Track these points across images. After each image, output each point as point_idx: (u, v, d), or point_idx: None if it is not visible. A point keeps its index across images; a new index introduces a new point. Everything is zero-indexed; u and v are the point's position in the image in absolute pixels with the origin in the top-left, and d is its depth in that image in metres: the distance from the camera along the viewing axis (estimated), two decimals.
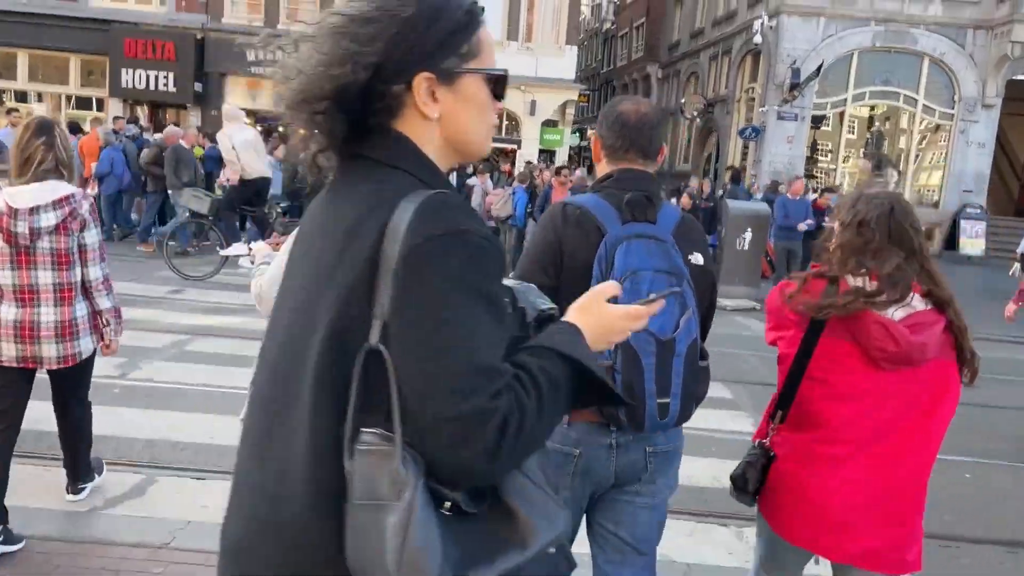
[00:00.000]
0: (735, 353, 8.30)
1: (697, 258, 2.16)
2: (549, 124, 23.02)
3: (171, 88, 21.35)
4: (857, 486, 2.12)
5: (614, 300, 1.36)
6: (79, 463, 3.81)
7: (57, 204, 3.27)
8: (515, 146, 22.95)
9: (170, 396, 5.57)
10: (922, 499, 2.20)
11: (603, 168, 2.24)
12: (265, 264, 2.60)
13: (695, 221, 2.30)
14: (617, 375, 1.95)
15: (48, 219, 3.24)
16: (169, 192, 11.60)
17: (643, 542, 2.23)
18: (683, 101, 27.33)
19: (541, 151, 22.81)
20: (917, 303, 2.11)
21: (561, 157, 22.80)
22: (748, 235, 11.93)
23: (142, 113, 21.69)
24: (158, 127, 17.98)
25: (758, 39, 21.28)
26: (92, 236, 3.42)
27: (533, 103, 22.23)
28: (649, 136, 2.18)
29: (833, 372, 2.13)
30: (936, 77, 21.33)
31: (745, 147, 24.02)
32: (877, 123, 22.47)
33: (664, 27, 32.97)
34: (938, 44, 20.94)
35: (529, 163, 18.46)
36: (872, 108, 22.21)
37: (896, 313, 2.08)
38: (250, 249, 2.76)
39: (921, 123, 21.74)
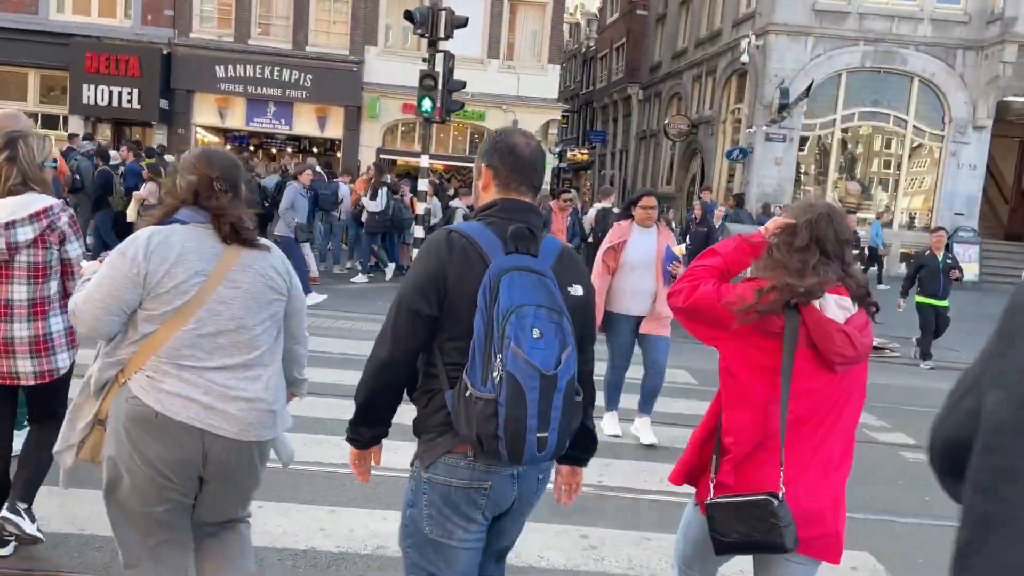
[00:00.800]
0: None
1: (576, 290, 2.20)
2: None
3: (135, 105, 20.41)
4: (806, 482, 2.25)
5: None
6: (35, 482, 3.46)
7: (34, 217, 3.23)
8: None
9: None
10: (844, 483, 2.35)
11: (488, 197, 2.24)
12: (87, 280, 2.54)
13: (575, 254, 2.35)
14: (501, 408, 1.95)
15: (26, 233, 3.22)
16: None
17: (511, 546, 2.48)
18: (666, 123, 26.76)
19: None
20: (849, 305, 2.25)
21: (545, 180, 22.00)
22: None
23: (103, 131, 20.67)
24: (132, 148, 16.97)
25: (745, 58, 20.83)
26: (75, 249, 3.40)
27: (515, 123, 21.45)
28: (540, 171, 2.27)
29: (798, 379, 2.22)
30: (926, 98, 20.97)
31: (731, 169, 23.48)
32: (850, 145, 21.93)
33: (645, 48, 32.56)
34: (928, 64, 20.59)
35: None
36: (860, 129, 21.70)
37: (838, 316, 2.22)
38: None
39: (911, 145, 21.28)
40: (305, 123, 21.59)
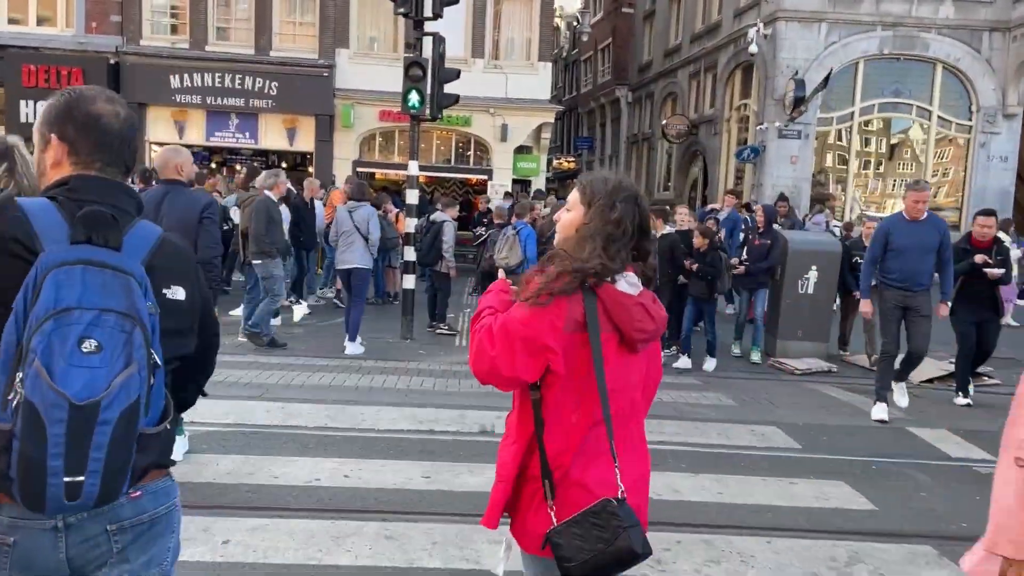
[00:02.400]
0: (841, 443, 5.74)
1: (177, 292, 1.82)
2: (522, 150, 20.35)
3: None
4: (631, 474, 2.13)
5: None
6: None
7: None
8: (485, 176, 20.21)
9: None
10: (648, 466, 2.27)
11: (57, 175, 1.81)
12: None
13: (180, 247, 1.92)
14: (15, 442, 1.54)
15: None
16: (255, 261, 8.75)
17: None
18: (664, 124, 24.94)
19: (515, 181, 20.08)
20: (637, 282, 2.15)
21: (537, 186, 20.08)
22: (813, 275, 9.28)
23: None
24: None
25: (753, 49, 19.09)
26: None
27: (504, 127, 19.59)
28: (133, 148, 1.89)
29: (611, 368, 2.11)
30: (951, 86, 19.37)
31: (739, 171, 21.70)
32: (870, 140, 20.13)
33: (633, 47, 30.84)
34: (952, 49, 19.00)
35: (524, 193, 15.61)
36: (879, 122, 19.95)
37: (629, 291, 2.12)
38: None
39: (936, 137, 19.57)
40: (272, 136, 19.54)
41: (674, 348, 8.90)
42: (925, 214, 6.91)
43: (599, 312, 2.05)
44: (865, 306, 7.21)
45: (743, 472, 5.23)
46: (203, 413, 5.21)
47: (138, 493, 1.76)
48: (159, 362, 1.69)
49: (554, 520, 2.05)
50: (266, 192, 8.72)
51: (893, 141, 20.09)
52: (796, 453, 5.75)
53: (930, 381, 8.45)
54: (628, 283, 2.12)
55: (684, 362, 8.67)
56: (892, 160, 20.21)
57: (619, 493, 2.02)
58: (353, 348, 8.62)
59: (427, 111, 9.18)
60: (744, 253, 9.22)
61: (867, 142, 20.13)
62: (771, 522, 4.43)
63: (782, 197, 12.27)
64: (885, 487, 5.09)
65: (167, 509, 1.86)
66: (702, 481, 4.98)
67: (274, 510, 4.18)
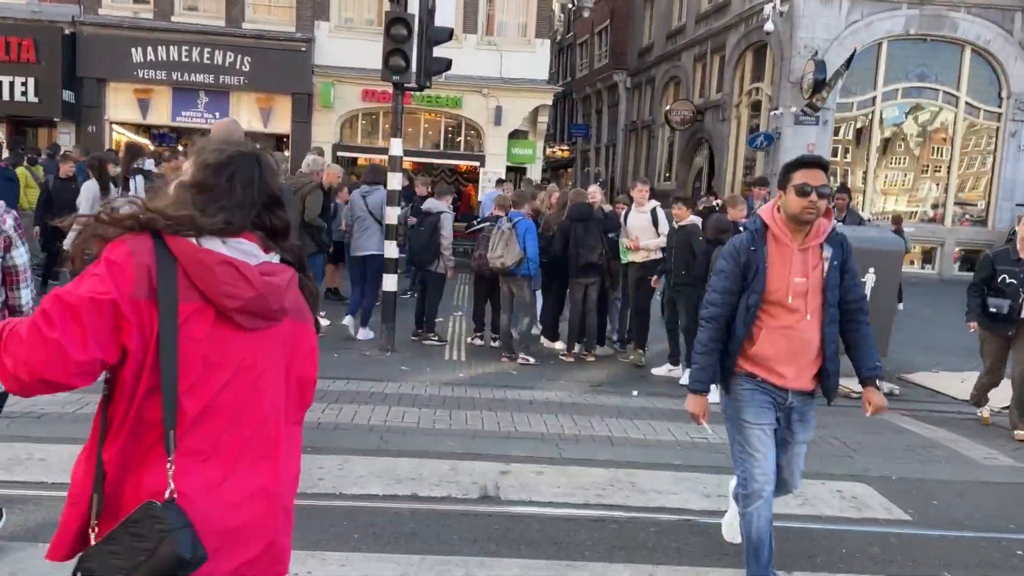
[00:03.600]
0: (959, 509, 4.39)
1: None
2: (517, 135, 18.79)
3: (32, 98, 16.64)
4: (229, 489, 1.73)
5: None
6: None
7: None
8: (477, 163, 18.65)
9: None
10: (293, 484, 1.88)
11: None
12: None
13: None
14: None
15: None
16: None
17: None
18: (667, 109, 23.42)
19: (509, 168, 18.52)
20: (256, 251, 1.78)
21: (533, 176, 18.56)
22: (870, 279, 7.81)
23: None
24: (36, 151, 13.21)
25: (769, 27, 17.61)
26: (21, 256, 3.29)
27: (498, 110, 18.03)
28: None
29: (202, 346, 1.71)
30: (980, 70, 17.98)
31: (748, 159, 20.26)
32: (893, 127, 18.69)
33: (632, 30, 29.28)
34: (982, 31, 17.64)
35: (528, 180, 14.00)
36: (903, 108, 18.52)
37: (242, 257, 1.75)
38: None
39: (963, 125, 18.17)
40: (245, 116, 17.87)
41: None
42: None
43: (179, 275, 1.68)
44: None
45: (851, 569, 3.75)
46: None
47: None
48: None
49: (93, 541, 1.69)
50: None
51: (917, 128, 18.69)
52: (909, 529, 4.26)
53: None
54: (233, 248, 1.74)
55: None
56: (916, 149, 18.80)
57: (167, 494, 1.63)
58: (365, 334, 8.56)
59: (413, 78, 7.64)
60: None
61: (898, 128, 18.70)
62: None
63: (842, 188, 10.67)
64: None
65: None
66: None
67: None
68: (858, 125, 18.55)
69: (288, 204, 7.22)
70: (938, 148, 18.70)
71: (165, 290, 1.65)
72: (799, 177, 3.18)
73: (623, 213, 8.60)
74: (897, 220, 12.52)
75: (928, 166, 18.78)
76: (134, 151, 8.79)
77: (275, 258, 1.83)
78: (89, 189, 7.32)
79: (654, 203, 8.40)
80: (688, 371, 7.14)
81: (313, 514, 3.77)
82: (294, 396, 1.88)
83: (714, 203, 9.82)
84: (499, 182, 14.13)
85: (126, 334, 1.62)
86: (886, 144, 18.74)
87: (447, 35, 7.88)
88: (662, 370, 7.94)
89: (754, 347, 3.28)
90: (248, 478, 1.74)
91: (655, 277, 8.16)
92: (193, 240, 1.69)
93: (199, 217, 1.70)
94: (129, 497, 1.68)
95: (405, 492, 4.23)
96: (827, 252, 3.27)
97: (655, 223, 8.21)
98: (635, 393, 7.06)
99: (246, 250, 1.75)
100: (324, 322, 8.79)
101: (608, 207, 9.30)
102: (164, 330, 1.64)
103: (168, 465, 1.64)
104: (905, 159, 18.82)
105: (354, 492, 4.18)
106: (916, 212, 18.57)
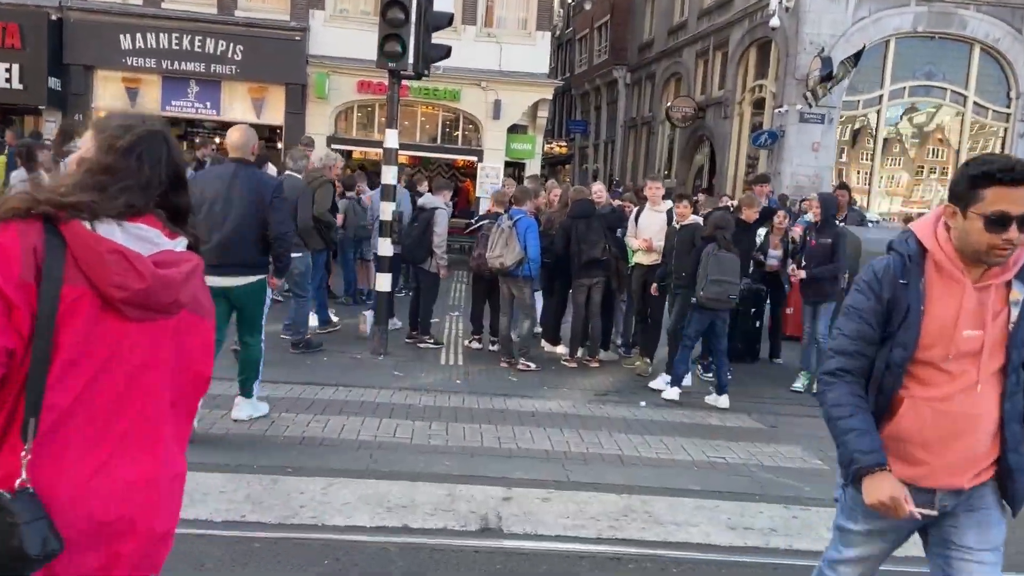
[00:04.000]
0: None
1: None
2: (516, 130, 18.34)
3: (16, 85, 16.11)
4: (103, 481, 1.66)
5: None
6: None
7: None
8: (475, 158, 18.19)
9: None
10: (181, 478, 1.84)
11: None
12: None
13: None
14: None
15: None
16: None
17: None
18: (668, 106, 22.99)
19: (507, 163, 18.07)
20: (156, 238, 1.71)
21: (532, 171, 18.10)
22: None
23: None
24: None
25: (775, 22, 17.21)
26: None
27: (497, 103, 17.57)
28: None
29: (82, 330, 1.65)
30: (989, 68, 17.61)
31: (751, 158, 19.85)
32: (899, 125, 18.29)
33: (633, 25, 28.83)
34: (991, 28, 17.28)
35: (534, 176, 13.44)
36: (910, 107, 18.15)
37: (132, 245, 1.67)
38: None
39: (971, 125, 17.80)
40: (237, 106, 17.40)
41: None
42: None
43: (67, 259, 1.62)
44: None
45: None
46: None
47: None
48: None
49: None
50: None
51: (922, 128, 18.31)
52: None
53: None
54: (130, 234, 1.66)
55: (723, 401, 6.86)
56: (922, 149, 18.43)
57: (17, 484, 1.56)
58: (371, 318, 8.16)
59: (410, 66, 7.18)
60: (802, 258, 7.36)
61: (895, 128, 18.33)
62: None
63: (842, 186, 10.26)
64: None
65: None
66: None
67: None
68: (863, 124, 18.17)
69: (307, 202, 6.80)
70: (945, 149, 18.32)
71: (49, 273, 1.59)
72: (994, 199, 2.09)
73: (633, 212, 8.17)
74: (908, 221, 12.14)
75: (936, 167, 18.41)
76: (67, 134, 8.31)
77: (181, 244, 1.74)
78: (17, 177, 6.96)
79: (669, 203, 7.96)
80: (724, 397, 6.77)
81: (291, 551, 3.34)
82: (185, 391, 1.81)
83: (729, 204, 9.40)
84: (530, 176, 13.19)
85: (18, 318, 1.56)
86: (894, 143, 18.36)
87: (447, 20, 7.44)
88: (659, 383, 7.28)
89: (891, 424, 2.26)
90: (125, 470, 1.69)
91: (654, 285, 7.74)
92: (87, 224, 1.62)
93: (96, 201, 1.63)
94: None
95: (395, 523, 3.79)
96: (1019, 292, 2.21)
97: (671, 223, 7.79)
98: (643, 404, 6.65)
99: (145, 236, 1.68)
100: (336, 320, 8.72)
101: (616, 202, 8.88)
102: (41, 314, 1.58)
103: (24, 454, 1.57)
104: (911, 159, 18.44)
105: (337, 523, 3.74)
106: (922, 213, 18.20)
